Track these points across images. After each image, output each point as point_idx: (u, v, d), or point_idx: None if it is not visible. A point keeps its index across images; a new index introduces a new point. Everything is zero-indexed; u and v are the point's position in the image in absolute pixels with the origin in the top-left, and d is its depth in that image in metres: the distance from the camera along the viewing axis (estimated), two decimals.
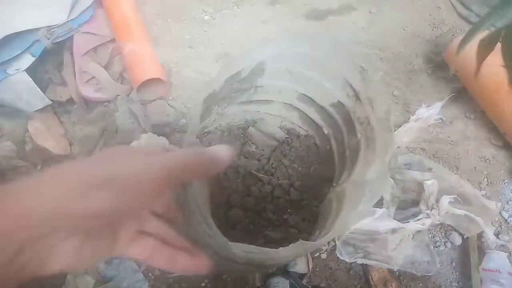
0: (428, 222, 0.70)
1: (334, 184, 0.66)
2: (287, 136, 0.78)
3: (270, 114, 0.77)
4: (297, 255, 0.53)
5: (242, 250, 0.40)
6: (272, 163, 0.76)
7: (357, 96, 0.58)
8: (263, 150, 0.78)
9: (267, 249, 0.42)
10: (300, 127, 0.77)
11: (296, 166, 0.76)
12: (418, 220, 0.71)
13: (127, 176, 0.20)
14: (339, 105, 0.64)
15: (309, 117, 0.73)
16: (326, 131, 0.71)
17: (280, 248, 0.43)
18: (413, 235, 0.74)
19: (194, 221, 0.40)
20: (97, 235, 0.22)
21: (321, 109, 0.69)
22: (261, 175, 0.74)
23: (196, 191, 0.45)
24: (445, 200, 0.71)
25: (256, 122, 0.78)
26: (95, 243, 0.22)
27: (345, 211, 0.52)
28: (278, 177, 0.74)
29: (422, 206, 0.73)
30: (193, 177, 0.24)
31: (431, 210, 0.71)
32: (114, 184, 0.20)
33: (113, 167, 0.21)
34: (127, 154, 0.23)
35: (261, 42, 0.60)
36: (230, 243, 0.40)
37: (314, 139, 0.76)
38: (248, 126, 0.78)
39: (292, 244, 0.43)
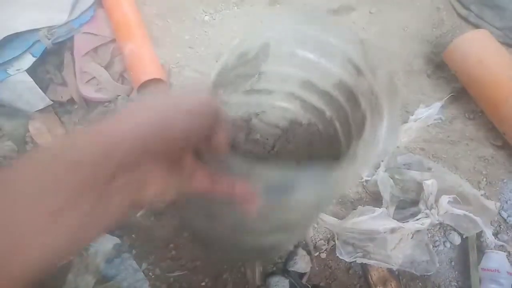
0: (427, 221, 0.70)
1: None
2: (290, 125, 0.80)
3: (273, 106, 0.79)
4: (325, 190, 0.50)
5: (262, 171, 0.37)
6: (277, 150, 0.78)
7: (358, 70, 0.58)
8: (267, 139, 0.80)
9: (288, 170, 0.38)
10: (302, 116, 0.79)
11: (300, 151, 0.78)
12: (417, 219, 0.71)
13: (194, 103, 0.23)
14: (341, 85, 0.64)
15: (311, 104, 0.74)
16: (328, 115, 0.72)
17: (304, 171, 0.39)
18: (413, 234, 0.75)
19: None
20: (175, 167, 0.24)
21: (323, 93, 0.69)
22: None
23: None
24: (445, 199, 0.71)
25: (258, 114, 0.80)
26: (174, 175, 0.24)
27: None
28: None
29: (421, 206, 0.73)
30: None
31: (430, 210, 0.72)
32: (185, 109, 0.22)
33: (179, 98, 0.24)
34: (187, 90, 0.26)
35: (266, 22, 0.60)
36: (250, 166, 0.35)
37: (317, 126, 0.77)
38: (251, 118, 0.80)
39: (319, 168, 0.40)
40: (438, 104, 0.84)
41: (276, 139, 0.80)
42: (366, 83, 0.57)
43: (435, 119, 0.87)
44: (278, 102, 0.77)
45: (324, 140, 0.76)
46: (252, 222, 0.49)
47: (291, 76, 0.69)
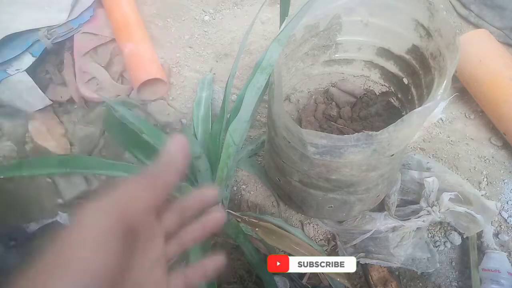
0: (429, 218, 0.70)
1: None
2: (365, 93, 0.83)
3: (354, 76, 0.82)
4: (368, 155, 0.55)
5: (314, 136, 0.47)
6: (352, 116, 0.83)
7: (428, 33, 0.60)
8: (344, 107, 0.84)
9: (338, 136, 0.47)
10: (382, 84, 0.81)
11: (372, 120, 0.81)
12: (419, 217, 0.71)
13: None
14: (414, 49, 0.66)
15: (389, 72, 0.76)
16: (406, 81, 0.73)
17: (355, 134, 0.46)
18: (414, 232, 0.74)
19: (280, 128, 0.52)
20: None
21: (399, 59, 0.71)
22: (341, 126, 0.80)
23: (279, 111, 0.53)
24: (446, 196, 0.71)
25: (334, 85, 0.85)
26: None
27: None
28: (354, 129, 0.80)
29: (422, 204, 0.73)
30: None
31: (431, 207, 0.71)
32: None
33: None
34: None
35: None
36: (302, 130, 0.47)
37: (389, 95, 0.80)
38: (328, 89, 0.85)
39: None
40: (442, 104, 0.84)
41: (351, 107, 0.83)
42: (434, 44, 0.59)
43: (438, 119, 0.87)
44: (359, 70, 0.79)
45: (395, 110, 0.79)
46: (317, 181, 0.58)
47: (366, 44, 0.72)
